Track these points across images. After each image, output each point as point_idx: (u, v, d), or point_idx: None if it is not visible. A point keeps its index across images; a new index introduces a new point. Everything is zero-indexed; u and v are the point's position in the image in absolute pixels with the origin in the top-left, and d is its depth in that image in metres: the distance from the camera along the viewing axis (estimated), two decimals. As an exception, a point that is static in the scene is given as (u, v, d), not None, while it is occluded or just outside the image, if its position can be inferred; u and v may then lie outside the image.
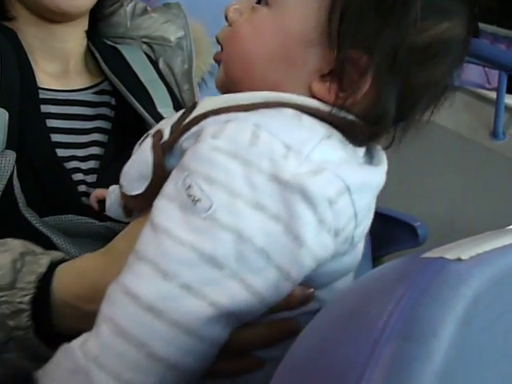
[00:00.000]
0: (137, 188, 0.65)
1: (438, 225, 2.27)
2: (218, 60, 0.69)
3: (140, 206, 0.67)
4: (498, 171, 2.34)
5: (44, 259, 0.73)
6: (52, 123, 0.96)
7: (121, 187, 0.68)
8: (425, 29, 0.59)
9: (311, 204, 0.55)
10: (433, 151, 2.48)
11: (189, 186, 0.56)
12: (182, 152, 0.61)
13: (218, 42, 0.69)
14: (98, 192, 0.84)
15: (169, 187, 0.58)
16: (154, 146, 0.64)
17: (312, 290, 0.61)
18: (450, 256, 0.43)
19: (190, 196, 0.56)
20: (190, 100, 1.17)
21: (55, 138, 0.95)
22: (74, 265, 0.73)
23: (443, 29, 0.60)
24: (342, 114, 0.61)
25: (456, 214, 2.40)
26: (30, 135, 0.91)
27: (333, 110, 0.61)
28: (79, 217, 0.87)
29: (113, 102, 1.04)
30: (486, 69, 5.77)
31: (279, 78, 0.63)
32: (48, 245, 0.82)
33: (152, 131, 0.67)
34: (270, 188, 0.55)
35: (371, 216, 0.66)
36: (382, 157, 0.67)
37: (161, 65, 1.17)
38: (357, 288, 0.46)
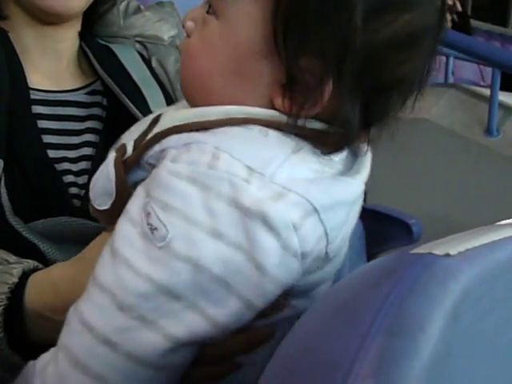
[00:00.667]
0: (103, 203, 0.64)
1: (432, 222, 2.27)
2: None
3: (107, 220, 0.67)
4: (492, 168, 2.35)
5: (16, 269, 0.72)
6: (43, 124, 0.95)
7: (90, 200, 0.67)
8: (381, 26, 0.56)
9: (273, 231, 0.53)
10: (427, 148, 2.48)
11: (148, 214, 0.55)
12: (146, 168, 0.61)
13: (180, 52, 0.68)
14: None
15: (133, 209, 0.57)
16: (117, 163, 0.62)
17: (270, 332, 0.60)
18: (438, 251, 0.43)
19: (148, 224, 0.55)
20: (183, 99, 1.17)
21: (46, 139, 0.94)
22: (46, 274, 0.73)
23: (404, 22, 0.57)
24: (309, 123, 0.59)
25: (450, 210, 2.40)
26: (20, 136, 0.90)
27: (298, 122, 0.58)
28: (73, 218, 0.86)
29: (104, 102, 1.04)
30: (481, 66, 5.78)
31: (237, 92, 0.60)
32: (35, 252, 0.82)
33: (117, 145, 0.65)
34: (230, 214, 0.53)
35: (350, 226, 0.64)
36: (363, 163, 0.64)
37: (154, 63, 1.16)
38: (345, 284, 0.46)
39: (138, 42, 1.16)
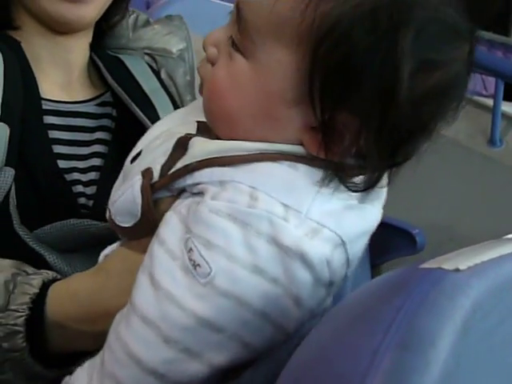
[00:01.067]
0: (125, 221, 0.66)
1: (435, 232, 2.27)
2: (201, 93, 0.66)
3: (127, 236, 0.69)
4: (495, 179, 2.35)
5: (36, 279, 0.73)
6: (54, 134, 0.96)
7: (109, 211, 0.69)
8: (416, 84, 0.56)
9: (310, 267, 0.57)
10: (430, 158, 2.49)
11: (190, 249, 0.57)
12: (172, 190, 0.63)
13: (200, 77, 0.66)
14: None
15: (171, 242, 0.58)
16: (145, 189, 0.63)
17: None
18: (447, 266, 0.44)
19: (190, 260, 0.57)
20: None
21: (57, 149, 0.95)
22: (66, 285, 0.74)
23: (438, 77, 0.57)
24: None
25: (454, 221, 2.40)
26: (31, 146, 0.91)
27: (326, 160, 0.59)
28: (80, 220, 0.86)
29: (114, 113, 1.05)
30: (483, 76, 5.78)
31: (265, 132, 0.60)
32: (41, 262, 0.82)
33: (143, 162, 0.66)
34: (270, 252, 0.56)
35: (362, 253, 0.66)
36: (380, 192, 0.66)
37: (163, 75, 1.17)
38: (356, 298, 0.46)
39: (147, 54, 1.17)
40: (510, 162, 2.31)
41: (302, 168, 0.59)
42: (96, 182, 0.97)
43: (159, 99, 1.08)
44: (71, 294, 0.72)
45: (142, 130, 0.99)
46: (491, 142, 2.36)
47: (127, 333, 0.57)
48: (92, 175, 0.98)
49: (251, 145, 0.60)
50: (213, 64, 0.63)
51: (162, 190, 0.64)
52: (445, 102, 0.59)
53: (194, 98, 1.18)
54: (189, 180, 0.61)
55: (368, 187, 0.61)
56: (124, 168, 0.70)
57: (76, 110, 1.01)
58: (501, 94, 2.35)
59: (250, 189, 0.57)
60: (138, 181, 0.64)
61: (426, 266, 0.45)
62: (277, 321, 0.57)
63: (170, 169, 0.63)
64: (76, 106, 1.02)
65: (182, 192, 0.63)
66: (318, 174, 0.59)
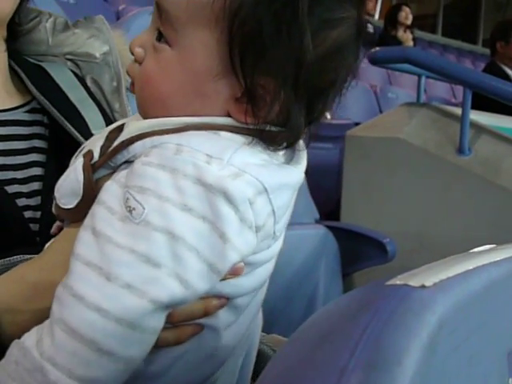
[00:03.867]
0: (68, 203, 0.70)
1: (406, 240, 2.29)
2: (132, 91, 0.73)
3: (71, 218, 0.72)
4: (464, 186, 2.38)
5: None
6: None
7: (54, 199, 0.73)
8: (320, 42, 0.64)
9: (233, 204, 0.61)
10: (400, 167, 2.51)
11: (127, 199, 0.62)
12: (110, 167, 0.68)
13: (129, 75, 0.72)
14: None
15: (109, 200, 0.64)
16: (86, 167, 0.69)
17: (224, 299, 0.68)
18: (413, 283, 0.44)
19: (127, 207, 0.62)
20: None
21: None
22: (11, 272, 0.74)
23: (335, 36, 0.65)
24: (258, 126, 0.66)
25: (424, 229, 2.42)
26: None
27: (249, 126, 0.66)
28: (28, 256, 0.80)
29: (45, 120, 1.01)
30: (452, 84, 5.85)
31: (196, 109, 0.67)
32: None
33: (84, 150, 0.71)
34: (196, 191, 0.61)
35: (290, 212, 0.71)
36: (302, 156, 0.72)
37: (89, 82, 1.13)
38: (323, 316, 0.46)
39: (69, 59, 1.13)
40: (478, 170, 2.34)
41: (224, 134, 0.66)
42: (40, 193, 0.94)
43: (87, 109, 1.05)
44: (18, 277, 0.73)
45: (73, 141, 0.97)
46: (460, 150, 2.39)
47: (71, 278, 0.61)
48: (34, 185, 0.94)
49: (178, 119, 0.66)
50: (140, 63, 0.70)
51: (102, 169, 0.69)
52: (345, 58, 0.67)
53: (122, 105, 1.16)
54: (125, 154, 0.67)
55: (288, 145, 0.68)
56: (70, 164, 0.73)
57: (5, 118, 0.97)
58: (469, 103, 2.38)
59: (176, 145, 0.63)
60: (80, 163, 0.69)
61: (392, 282, 0.45)
62: (208, 257, 0.61)
63: (108, 148, 0.69)
64: (4, 115, 0.97)
65: (120, 166, 0.68)
66: (239, 138, 0.66)
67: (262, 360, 0.88)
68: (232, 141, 0.65)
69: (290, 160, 0.70)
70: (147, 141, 0.66)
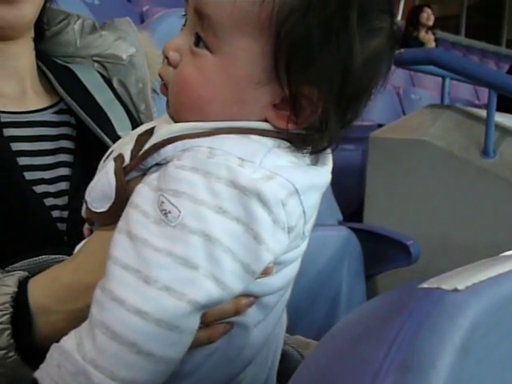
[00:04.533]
0: (101, 206, 0.71)
1: (429, 243, 2.28)
2: (164, 93, 0.73)
3: (103, 221, 0.73)
4: (488, 189, 2.36)
5: (11, 279, 0.74)
6: (17, 146, 0.94)
7: (86, 202, 0.73)
8: (362, 51, 0.65)
9: (266, 206, 0.62)
10: (424, 169, 2.50)
11: (161, 203, 0.63)
12: (141, 170, 0.69)
13: (161, 78, 0.72)
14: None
15: (143, 204, 0.64)
16: (117, 171, 0.69)
17: (253, 298, 0.69)
18: (446, 286, 0.44)
19: (162, 210, 0.62)
20: (147, 121, 1.14)
21: (21, 161, 0.93)
22: (46, 274, 0.75)
23: (374, 46, 0.66)
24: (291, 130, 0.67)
25: (447, 232, 2.41)
26: None
27: (284, 132, 0.67)
28: (52, 256, 0.82)
29: (73, 121, 1.02)
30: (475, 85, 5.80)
31: (233, 114, 0.68)
32: None
33: (115, 153, 0.72)
34: (230, 193, 0.62)
35: (316, 213, 0.72)
36: (328, 158, 0.73)
37: (115, 84, 1.15)
38: (356, 319, 0.47)
39: (96, 61, 1.15)
40: (503, 173, 2.33)
41: (254, 137, 0.66)
42: (66, 192, 0.95)
43: (114, 111, 1.06)
44: (52, 279, 0.74)
45: (100, 142, 0.98)
46: (485, 152, 2.38)
47: (110, 282, 0.62)
48: (62, 185, 0.96)
49: (210, 124, 0.67)
50: (175, 67, 0.70)
51: (133, 172, 0.69)
52: (381, 65, 0.69)
53: (148, 107, 1.17)
54: (156, 157, 0.67)
55: (319, 149, 0.69)
56: (98, 167, 0.75)
57: (34, 119, 0.98)
58: (494, 105, 2.37)
59: (208, 149, 0.64)
60: (111, 166, 0.70)
61: (424, 285, 0.45)
62: (242, 258, 0.62)
63: (138, 152, 0.69)
64: (33, 116, 0.99)
65: (150, 168, 0.69)
66: (268, 140, 0.66)
67: (286, 361, 0.89)
68: (262, 144, 0.66)
69: (316, 162, 0.71)
70: (178, 144, 0.66)
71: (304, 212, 0.66)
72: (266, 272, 0.67)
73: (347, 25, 0.63)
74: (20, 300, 0.72)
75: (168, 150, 0.66)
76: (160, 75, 0.72)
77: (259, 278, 0.67)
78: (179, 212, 0.62)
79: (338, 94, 0.65)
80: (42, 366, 0.63)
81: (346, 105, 0.67)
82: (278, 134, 0.67)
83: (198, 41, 0.67)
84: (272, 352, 0.79)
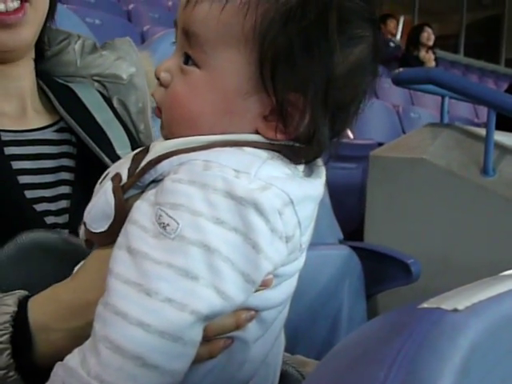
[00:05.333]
0: (100, 226, 0.71)
1: (430, 262, 2.28)
2: (158, 116, 0.75)
3: (102, 241, 0.73)
4: (488, 208, 2.36)
5: (11, 299, 0.74)
6: (18, 165, 0.95)
7: (84, 224, 0.74)
8: (345, 58, 0.67)
9: (263, 215, 0.63)
10: (424, 188, 2.50)
11: (159, 216, 0.63)
12: (139, 187, 0.70)
13: (155, 100, 0.74)
14: None
15: (141, 219, 0.65)
16: (116, 190, 0.70)
17: (253, 312, 0.70)
18: (446, 306, 0.44)
19: (160, 224, 0.63)
20: (146, 141, 1.15)
21: (22, 179, 0.94)
22: (46, 293, 0.75)
23: (357, 54, 0.68)
24: (285, 142, 0.69)
25: (448, 250, 2.41)
26: None
27: (274, 142, 0.68)
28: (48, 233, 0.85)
29: (73, 139, 1.03)
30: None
31: (225, 127, 0.69)
32: None
33: (111, 174, 0.73)
34: (227, 204, 0.63)
35: (313, 226, 0.74)
36: (321, 170, 0.74)
37: (115, 103, 1.16)
38: (356, 339, 0.47)
39: (97, 81, 1.15)
40: (503, 191, 2.33)
41: (248, 149, 0.67)
42: (67, 211, 0.96)
43: (113, 131, 1.07)
44: (52, 297, 0.74)
45: (99, 161, 0.98)
46: (484, 171, 2.38)
47: (111, 297, 0.62)
48: (63, 204, 0.97)
49: (204, 137, 0.68)
50: (166, 87, 0.72)
51: (131, 190, 0.70)
52: (365, 75, 0.70)
53: (147, 126, 1.18)
54: (153, 173, 0.68)
55: (309, 160, 0.71)
56: (94, 190, 0.75)
57: (35, 137, 1.00)
58: (493, 124, 2.38)
59: (204, 162, 0.65)
60: (109, 186, 0.71)
61: (424, 305, 0.45)
62: (242, 268, 0.63)
63: (135, 170, 0.70)
64: (34, 134, 1.00)
65: (148, 186, 0.70)
66: (262, 153, 0.68)
67: (286, 380, 0.89)
68: (256, 156, 0.67)
69: (310, 174, 0.73)
70: (174, 159, 0.67)
71: (299, 222, 0.67)
72: (265, 284, 0.68)
73: (327, 33, 0.65)
74: (20, 319, 0.72)
75: (164, 165, 0.68)
76: (153, 96, 0.74)
77: (259, 290, 0.68)
78: (177, 224, 0.62)
79: (323, 100, 0.66)
80: None
81: (333, 113, 0.68)
82: (271, 145, 0.68)
83: (187, 59, 0.70)
84: (271, 372, 0.79)
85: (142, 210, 0.66)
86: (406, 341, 0.41)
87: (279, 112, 0.67)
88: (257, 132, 0.69)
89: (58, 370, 0.63)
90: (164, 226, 0.63)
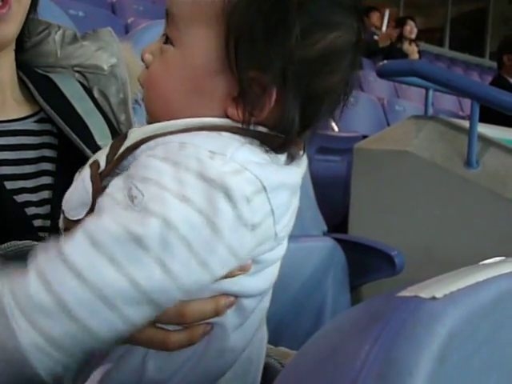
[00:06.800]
0: (78, 214, 0.71)
1: (414, 253, 2.28)
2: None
3: None
4: (472, 200, 2.37)
5: None
6: None
7: (63, 212, 0.74)
8: (313, 42, 0.67)
9: (232, 201, 0.63)
10: (408, 180, 2.51)
11: (129, 189, 0.64)
12: (117, 174, 0.69)
13: (140, 83, 0.75)
14: None
15: (114, 192, 0.66)
16: (94, 176, 0.71)
17: (233, 298, 0.69)
18: (424, 294, 0.44)
19: (129, 196, 0.64)
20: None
21: (2, 170, 0.93)
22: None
23: (331, 40, 0.68)
24: (255, 128, 0.69)
25: (432, 242, 2.42)
26: None
27: (245, 126, 0.68)
28: (21, 242, 0.81)
29: (54, 129, 1.02)
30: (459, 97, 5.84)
31: (195, 107, 0.70)
32: None
33: (90, 161, 0.73)
34: (197, 185, 0.63)
35: (294, 215, 0.74)
36: (303, 161, 0.74)
37: (96, 94, 1.14)
38: (334, 328, 0.47)
39: (77, 71, 1.14)
40: (486, 184, 2.34)
41: (226, 134, 0.68)
42: (49, 201, 0.95)
43: (94, 121, 1.06)
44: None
45: (80, 151, 0.98)
46: (468, 163, 2.39)
47: (67, 244, 0.63)
48: (44, 194, 0.95)
49: (181, 122, 0.69)
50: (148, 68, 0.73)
51: (109, 177, 0.70)
52: (340, 63, 0.70)
53: (128, 117, 1.17)
54: (131, 160, 0.69)
55: (282, 147, 0.70)
56: (74, 178, 0.75)
57: (15, 128, 0.98)
58: (477, 116, 2.38)
59: (179, 143, 0.65)
60: (87, 173, 0.71)
61: (402, 294, 0.45)
62: (198, 251, 0.62)
63: (113, 157, 0.71)
64: (14, 125, 0.99)
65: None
66: (239, 137, 0.68)
67: (269, 373, 0.89)
68: (234, 139, 0.67)
69: (290, 163, 0.72)
70: (151, 143, 0.68)
71: (272, 210, 0.67)
72: (243, 269, 0.68)
73: (286, 11, 0.66)
74: None
75: (142, 150, 0.68)
76: (139, 81, 0.75)
77: (237, 274, 0.68)
78: (143, 196, 0.63)
79: (284, 81, 0.66)
80: None
81: (303, 102, 0.68)
82: (246, 132, 0.68)
83: (167, 39, 0.72)
84: (253, 367, 0.78)
85: (116, 183, 0.66)
86: (383, 329, 0.41)
87: (242, 91, 0.67)
88: (227, 116, 0.70)
89: None
90: (132, 199, 0.63)
